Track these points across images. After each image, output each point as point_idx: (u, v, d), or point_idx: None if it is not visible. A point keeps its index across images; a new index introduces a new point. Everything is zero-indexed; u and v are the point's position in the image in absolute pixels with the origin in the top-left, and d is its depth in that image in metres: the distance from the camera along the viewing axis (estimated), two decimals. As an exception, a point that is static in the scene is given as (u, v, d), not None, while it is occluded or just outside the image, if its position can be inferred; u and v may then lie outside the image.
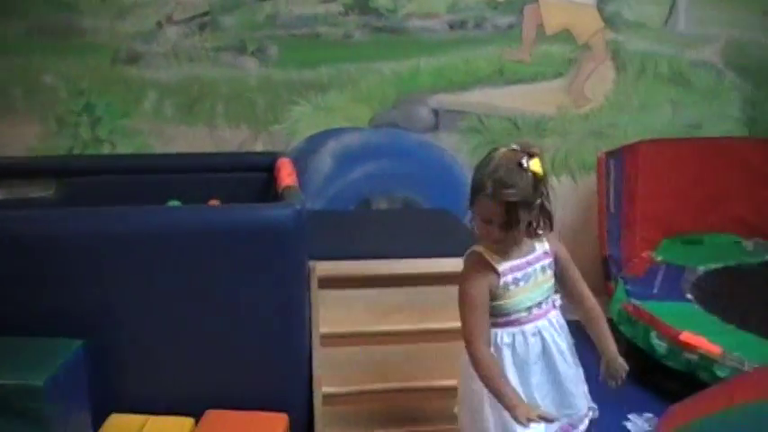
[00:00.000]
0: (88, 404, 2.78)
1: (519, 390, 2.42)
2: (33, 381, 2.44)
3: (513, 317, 2.49)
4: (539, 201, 2.41)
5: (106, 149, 4.49)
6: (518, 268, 2.49)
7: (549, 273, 2.55)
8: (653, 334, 3.61)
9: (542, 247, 2.54)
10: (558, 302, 2.61)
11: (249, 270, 2.88)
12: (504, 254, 2.47)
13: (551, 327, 2.54)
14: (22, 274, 2.85)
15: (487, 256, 2.47)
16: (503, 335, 2.50)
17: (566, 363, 2.56)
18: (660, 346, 3.56)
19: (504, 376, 2.43)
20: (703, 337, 3.43)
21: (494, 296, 2.46)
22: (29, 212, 3.19)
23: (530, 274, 2.50)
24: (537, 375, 2.51)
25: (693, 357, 3.40)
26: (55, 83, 4.44)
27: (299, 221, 2.88)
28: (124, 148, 4.50)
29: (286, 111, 4.54)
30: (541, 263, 2.53)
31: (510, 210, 2.36)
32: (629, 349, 3.59)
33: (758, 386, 1.98)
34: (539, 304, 2.52)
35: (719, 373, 3.26)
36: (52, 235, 2.88)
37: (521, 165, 2.34)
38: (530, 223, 2.45)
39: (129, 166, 4.09)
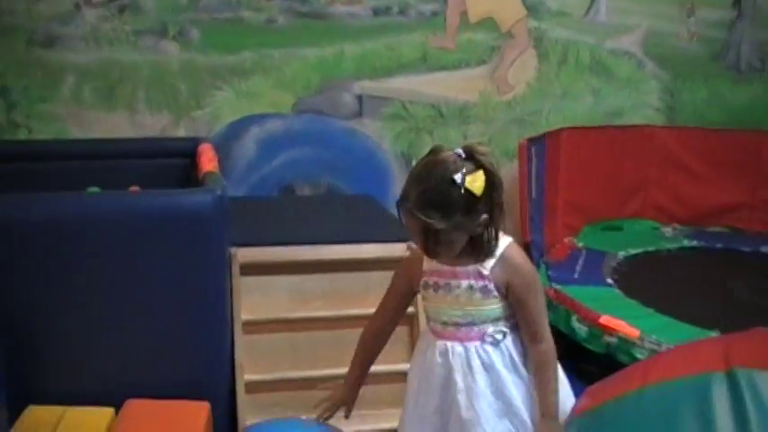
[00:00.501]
0: (4, 398, 2.71)
1: (415, 400, 2.33)
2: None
3: (431, 324, 2.31)
4: (477, 222, 2.08)
5: (22, 135, 4.38)
6: (441, 275, 2.22)
7: (479, 297, 2.18)
8: (574, 318, 3.67)
9: (479, 267, 2.18)
10: (505, 340, 2.23)
11: (169, 257, 2.84)
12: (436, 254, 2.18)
13: (467, 363, 2.20)
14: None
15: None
16: (422, 338, 2.40)
17: (474, 411, 2.19)
18: (581, 329, 3.62)
19: (360, 363, 2.48)
20: (623, 320, 3.50)
21: (420, 293, 2.32)
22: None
23: (452, 287, 2.20)
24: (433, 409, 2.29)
25: (613, 340, 3.46)
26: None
27: (220, 207, 2.84)
28: (42, 133, 4.39)
29: (208, 96, 4.49)
30: (470, 282, 2.18)
31: (428, 232, 2.07)
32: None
33: (670, 365, 2.02)
34: (456, 324, 2.22)
35: (638, 356, 3.32)
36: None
37: (453, 181, 2.01)
38: (471, 242, 2.13)
39: (46, 152, 3.99)
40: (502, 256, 2.17)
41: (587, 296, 3.78)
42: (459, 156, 2.05)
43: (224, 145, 4.08)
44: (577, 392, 2.37)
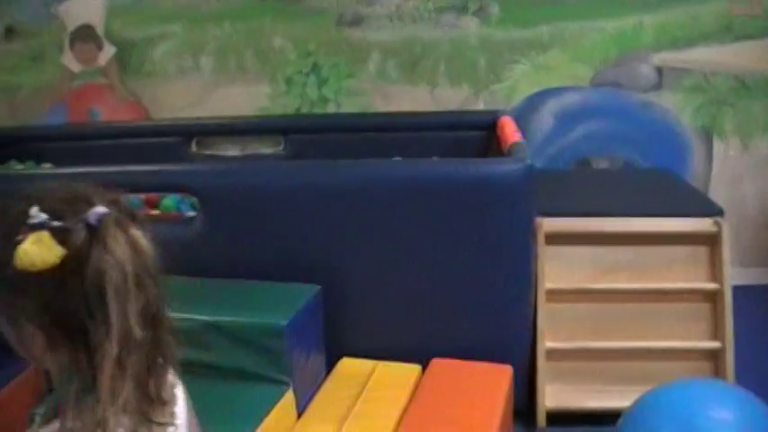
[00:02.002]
0: (323, 347, 2.93)
1: None
2: (277, 320, 2.60)
3: None
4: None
5: (332, 109, 4.65)
6: None
7: None
8: None
9: None
10: None
11: (479, 223, 2.94)
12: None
13: None
14: (262, 223, 3.05)
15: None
16: None
17: None
18: None
19: None
20: None
21: None
22: (269, 164, 3.38)
23: None
24: None
25: None
26: (284, 45, 4.64)
27: (529, 176, 2.90)
28: (349, 107, 4.64)
29: (507, 70, 4.53)
30: None
31: None
32: None
33: None
34: None
35: None
36: (287, 186, 3.06)
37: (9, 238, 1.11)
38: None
39: (353, 125, 4.23)
40: None
41: None
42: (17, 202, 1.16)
43: (521, 118, 4.12)
44: None
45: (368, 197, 3.00)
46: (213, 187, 3.10)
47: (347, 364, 2.99)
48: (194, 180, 3.15)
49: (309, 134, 4.17)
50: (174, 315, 2.58)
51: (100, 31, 4.71)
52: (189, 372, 2.58)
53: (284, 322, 2.58)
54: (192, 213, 3.31)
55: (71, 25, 4.71)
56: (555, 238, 3.11)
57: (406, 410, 2.68)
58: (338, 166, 3.17)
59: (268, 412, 2.45)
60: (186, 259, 3.01)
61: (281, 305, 2.71)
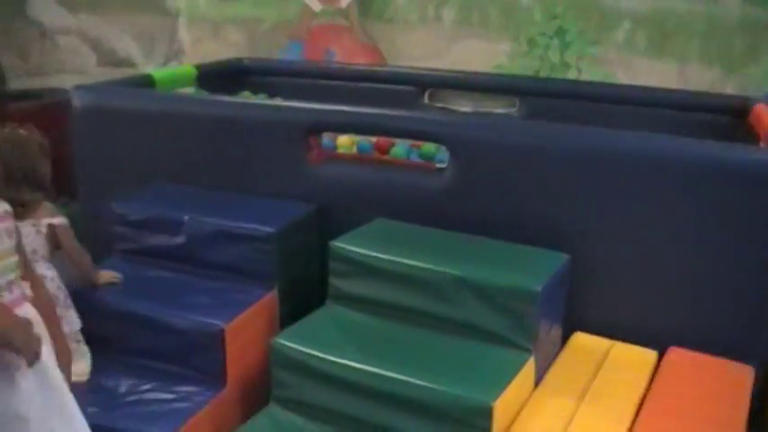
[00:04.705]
0: (563, 317, 2.86)
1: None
2: (531, 285, 2.54)
3: None
4: None
5: (572, 75, 4.53)
6: None
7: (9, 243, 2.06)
8: None
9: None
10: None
11: (739, 209, 2.78)
12: None
13: None
14: (513, 183, 3.00)
15: None
16: None
17: None
18: None
19: None
20: None
21: None
22: (529, 123, 3.35)
23: None
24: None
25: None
26: (531, 4, 4.53)
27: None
28: (589, 75, 4.50)
29: (766, 53, 4.27)
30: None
31: None
32: None
33: None
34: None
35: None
36: (543, 147, 3.00)
37: None
38: None
39: (591, 94, 4.11)
40: None
41: None
42: None
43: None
44: None
45: (627, 169, 2.89)
46: (467, 140, 3.06)
47: (581, 339, 2.92)
48: (448, 130, 3.11)
49: (547, 98, 4.08)
50: (423, 266, 2.61)
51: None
52: (435, 327, 2.62)
53: (538, 288, 2.53)
54: (441, 165, 3.29)
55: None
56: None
57: (645, 396, 2.59)
58: (605, 134, 3.07)
59: (511, 378, 2.41)
60: (433, 210, 3.04)
61: (534, 270, 2.65)
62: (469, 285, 2.58)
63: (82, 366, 2.66)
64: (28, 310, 2.04)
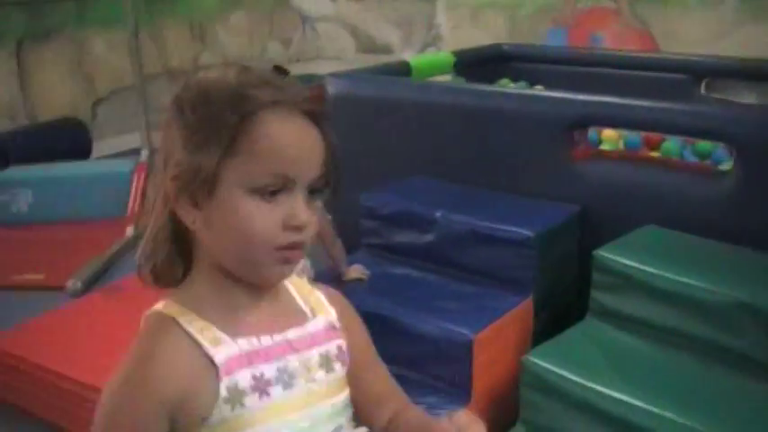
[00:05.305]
0: None
1: None
2: None
3: None
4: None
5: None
6: (267, 355, 1.06)
7: (340, 370, 1.15)
8: None
9: (321, 307, 1.17)
10: None
11: None
12: (232, 313, 1.07)
13: None
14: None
15: (186, 322, 1.04)
16: None
17: None
18: None
19: None
20: None
21: (195, 421, 1.02)
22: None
23: (294, 370, 1.08)
24: None
25: None
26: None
27: None
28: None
29: None
30: (324, 347, 1.14)
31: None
32: None
33: None
34: None
35: None
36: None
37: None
38: None
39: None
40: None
41: None
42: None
43: None
44: None
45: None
46: (759, 139, 2.65)
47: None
48: (735, 128, 2.71)
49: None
50: (702, 285, 2.26)
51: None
52: (715, 358, 2.26)
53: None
54: (725, 167, 2.90)
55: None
56: None
57: None
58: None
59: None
60: (712, 219, 2.67)
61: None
62: (755, 312, 2.20)
63: None
64: None
